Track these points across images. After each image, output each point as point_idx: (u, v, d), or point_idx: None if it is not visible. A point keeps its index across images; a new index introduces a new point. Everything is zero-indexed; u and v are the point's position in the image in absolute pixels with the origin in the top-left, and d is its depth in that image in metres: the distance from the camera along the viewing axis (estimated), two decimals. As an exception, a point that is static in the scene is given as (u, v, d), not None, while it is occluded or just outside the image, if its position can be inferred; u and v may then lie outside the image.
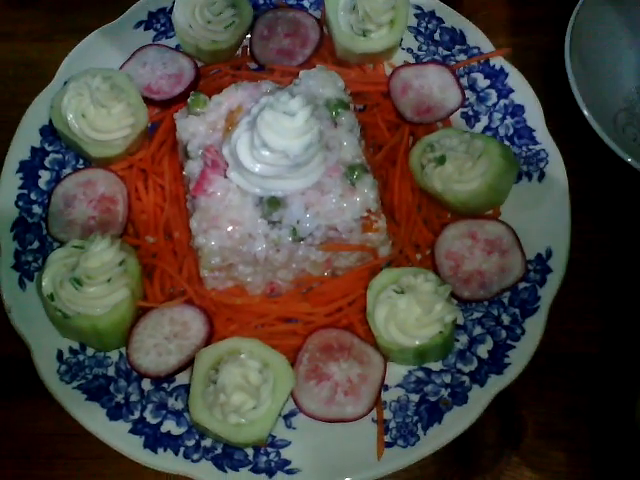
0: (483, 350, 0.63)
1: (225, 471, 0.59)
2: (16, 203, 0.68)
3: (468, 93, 0.72)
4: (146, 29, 0.76)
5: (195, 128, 0.63)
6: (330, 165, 0.60)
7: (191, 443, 0.60)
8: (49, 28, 0.82)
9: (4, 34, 0.81)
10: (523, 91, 0.71)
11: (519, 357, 0.62)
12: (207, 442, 0.60)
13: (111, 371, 0.63)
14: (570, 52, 0.70)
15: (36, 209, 0.68)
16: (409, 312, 0.59)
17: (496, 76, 0.73)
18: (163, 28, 0.76)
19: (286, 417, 0.61)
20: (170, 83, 0.72)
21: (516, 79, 0.72)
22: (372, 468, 0.59)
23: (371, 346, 0.62)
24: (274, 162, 0.57)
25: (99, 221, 0.67)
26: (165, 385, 0.62)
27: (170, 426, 0.61)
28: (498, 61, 0.73)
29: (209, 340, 0.62)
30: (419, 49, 0.75)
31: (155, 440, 0.60)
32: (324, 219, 0.60)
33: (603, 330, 0.67)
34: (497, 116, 0.72)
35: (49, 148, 0.71)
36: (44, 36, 0.81)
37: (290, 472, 0.59)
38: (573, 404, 0.64)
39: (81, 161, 0.70)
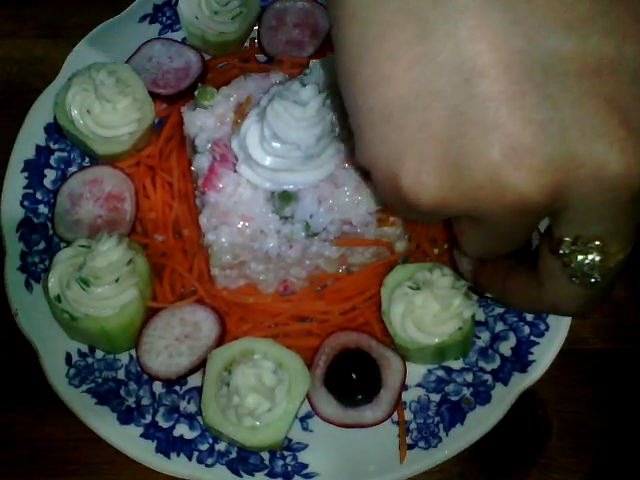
0: (506, 347, 0.61)
1: (240, 476, 0.57)
2: (21, 203, 0.66)
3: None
4: (151, 22, 0.74)
5: (203, 121, 0.61)
6: (343, 157, 0.58)
7: (205, 447, 0.58)
8: (53, 24, 0.80)
9: (7, 32, 0.80)
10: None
11: (544, 354, 0.60)
12: (221, 446, 0.58)
13: (121, 374, 0.61)
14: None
15: (42, 209, 0.67)
16: (426, 308, 0.57)
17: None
18: (169, 21, 0.74)
19: (302, 419, 0.59)
20: (177, 77, 0.70)
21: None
22: (393, 471, 0.57)
23: (390, 349, 0.60)
24: (285, 154, 0.55)
25: (106, 220, 0.65)
26: (177, 388, 0.61)
27: (183, 430, 0.59)
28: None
29: (221, 340, 0.60)
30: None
31: (167, 444, 0.58)
32: (338, 213, 0.58)
33: (629, 324, 0.65)
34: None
35: (54, 146, 0.69)
36: (48, 33, 0.80)
37: (308, 476, 0.57)
38: (599, 401, 0.62)
39: (87, 159, 0.69)
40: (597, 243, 0.37)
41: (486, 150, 0.33)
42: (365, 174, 0.38)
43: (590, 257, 0.37)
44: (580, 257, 0.38)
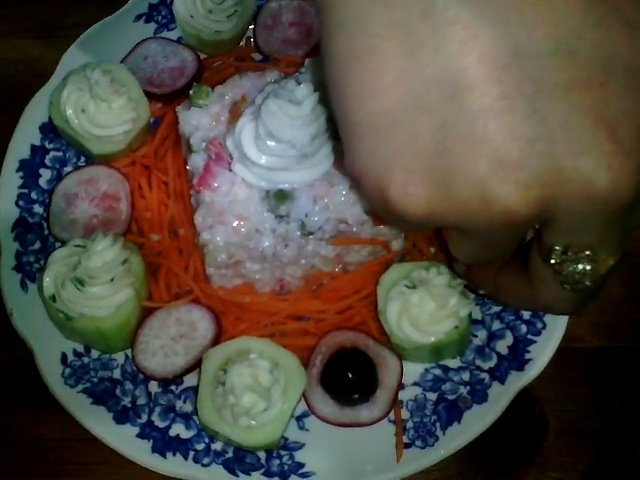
0: (503, 346, 0.61)
1: (237, 475, 0.57)
2: (16, 203, 0.66)
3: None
4: (147, 22, 0.74)
5: (198, 120, 0.61)
6: (339, 155, 0.58)
7: (201, 447, 0.58)
8: (50, 25, 0.80)
9: (3, 32, 0.80)
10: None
11: (541, 352, 0.60)
12: (217, 445, 0.58)
13: (117, 374, 0.61)
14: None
15: (37, 209, 0.66)
16: (422, 307, 0.57)
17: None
18: (164, 20, 0.74)
19: (299, 418, 0.59)
20: (172, 76, 0.70)
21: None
22: (390, 470, 0.57)
23: (387, 348, 0.59)
24: (280, 153, 0.55)
25: (102, 220, 0.65)
26: (173, 387, 0.60)
27: (179, 429, 0.59)
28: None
29: (217, 340, 0.60)
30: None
31: (164, 444, 0.58)
32: (334, 212, 0.58)
33: (626, 322, 0.64)
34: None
35: (49, 146, 0.69)
36: (44, 33, 0.80)
37: (304, 475, 0.57)
38: (597, 400, 0.62)
39: (82, 159, 0.69)
40: (587, 253, 0.37)
41: (473, 164, 0.33)
42: (354, 181, 0.39)
43: (581, 266, 0.38)
44: (571, 267, 0.38)
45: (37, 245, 0.65)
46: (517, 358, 0.60)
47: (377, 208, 0.38)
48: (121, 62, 0.70)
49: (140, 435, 0.58)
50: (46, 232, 0.65)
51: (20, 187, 0.67)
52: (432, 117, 0.34)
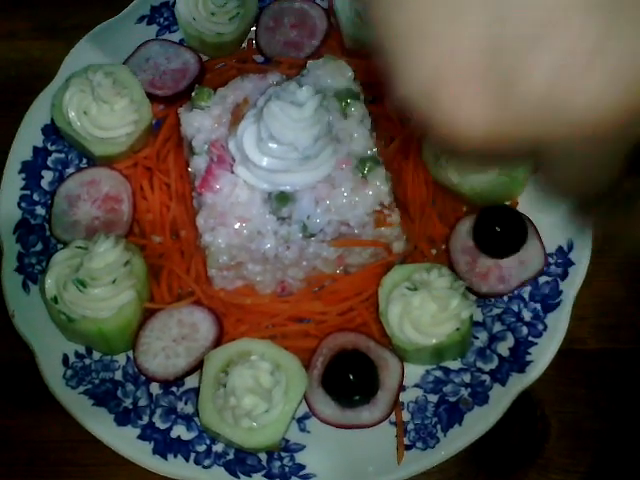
0: (504, 347, 0.61)
1: (238, 477, 0.57)
2: (19, 204, 0.67)
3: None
4: (149, 24, 0.74)
5: (200, 122, 0.61)
6: (340, 158, 0.58)
7: (202, 448, 0.58)
8: (51, 26, 0.80)
9: (5, 33, 0.80)
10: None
11: (541, 354, 0.60)
12: (219, 447, 0.58)
13: (118, 375, 0.61)
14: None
15: (39, 210, 0.67)
16: (424, 309, 0.57)
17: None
18: (167, 22, 0.74)
19: (300, 420, 0.59)
20: (174, 78, 0.70)
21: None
22: (391, 472, 0.57)
23: (388, 350, 0.60)
24: (282, 155, 0.55)
25: (104, 221, 0.65)
26: (174, 389, 0.61)
27: (180, 431, 0.59)
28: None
29: (219, 342, 0.60)
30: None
31: (165, 446, 0.58)
32: (335, 214, 0.58)
33: (627, 324, 0.64)
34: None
35: (51, 147, 0.69)
36: (46, 34, 0.80)
37: (305, 477, 0.57)
38: (597, 402, 0.62)
39: (84, 160, 0.69)
40: None
41: (537, 63, 0.28)
42: (401, 107, 0.34)
43: None
44: None
45: (39, 247, 0.65)
46: (518, 360, 0.60)
47: (435, 136, 0.31)
48: (123, 64, 0.70)
49: (141, 437, 0.58)
50: (48, 234, 0.66)
51: (22, 189, 0.67)
52: (484, 10, 0.29)
